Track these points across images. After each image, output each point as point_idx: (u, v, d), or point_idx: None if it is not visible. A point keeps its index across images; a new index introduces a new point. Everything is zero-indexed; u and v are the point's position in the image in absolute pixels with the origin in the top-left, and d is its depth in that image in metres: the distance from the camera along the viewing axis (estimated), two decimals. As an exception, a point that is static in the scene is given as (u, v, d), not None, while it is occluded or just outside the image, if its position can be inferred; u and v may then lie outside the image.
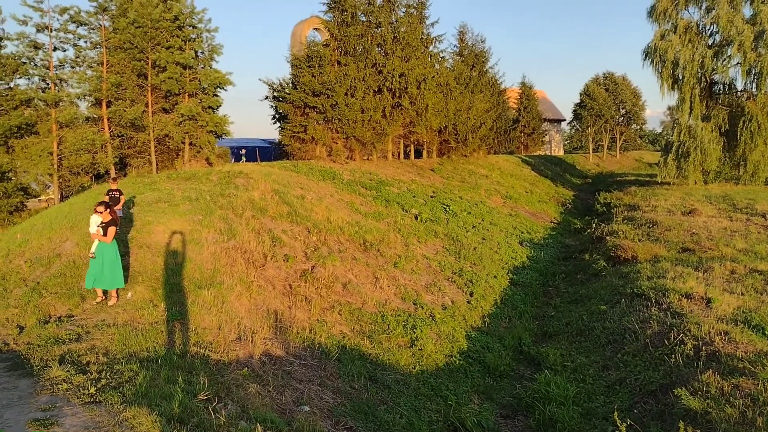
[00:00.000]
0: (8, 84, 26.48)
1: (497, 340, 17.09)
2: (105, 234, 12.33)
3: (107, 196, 16.31)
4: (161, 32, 27.44)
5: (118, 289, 12.63)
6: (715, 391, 10.47)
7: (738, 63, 45.04)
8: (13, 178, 26.15)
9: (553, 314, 19.95)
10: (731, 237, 24.81)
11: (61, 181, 26.84)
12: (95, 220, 12.59)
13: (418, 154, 48.40)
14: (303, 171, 28.78)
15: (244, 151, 40.70)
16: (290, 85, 35.94)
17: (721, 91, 49.85)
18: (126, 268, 13.68)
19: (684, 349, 12.62)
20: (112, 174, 27.55)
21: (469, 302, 19.79)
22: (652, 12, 49.14)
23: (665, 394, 11.27)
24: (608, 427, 10.95)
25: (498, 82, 60.96)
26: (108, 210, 12.50)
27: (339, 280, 17.35)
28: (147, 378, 8.77)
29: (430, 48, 44.60)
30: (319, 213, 22.14)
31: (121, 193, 17.02)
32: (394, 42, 38.58)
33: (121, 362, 9.38)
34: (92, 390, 8.15)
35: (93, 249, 12.37)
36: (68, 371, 8.78)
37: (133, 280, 13.38)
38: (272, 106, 37.33)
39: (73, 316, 11.68)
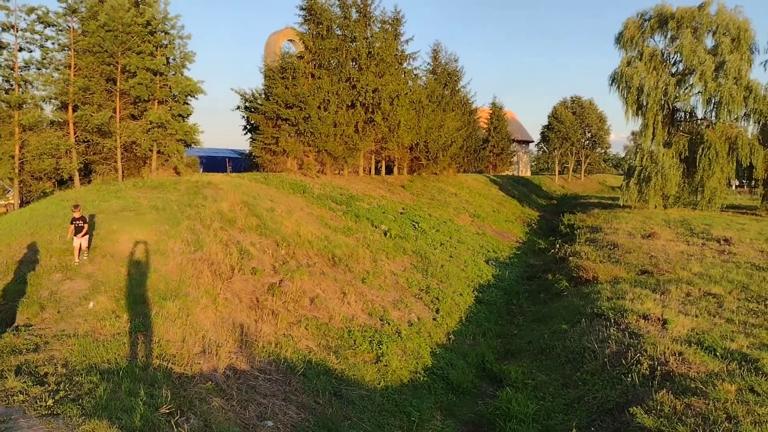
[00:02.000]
0: None
1: (461, 357, 17.21)
2: None
3: (72, 226, 14.51)
4: (132, 37, 26.97)
5: None
6: (669, 410, 10.77)
7: (699, 92, 46.54)
8: (-29, 182, 25.39)
9: (516, 332, 20.23)
10: (688, 261, 25.55)
11: (22, 185, 26.04)
12: None
13: (389, 171, 48.51)
14: (273, 183, 28.62)
15: (230, 161, 40.40)
16: (263, 96, 35.70)
17: (682, 119, 51.32)
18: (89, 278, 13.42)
19: (640, 369, 12.97)
20: (76, 181, 26.98)
21: (435, 319, 19.84)
22: (619, 38, 50.62)
23: (621, 412, 11.46)
24: (567, 445, 11.08)
25: (469, 102, 61.49)
26: None
27: (307, 295, 17.24)
28: (107, 390, 8.57)
29: (404, 65, 44.86)
30: (288, 226, 22.01)
31: (85, 222, 14.76)
32: (368, 57, 38.74)
33: (81, 374, 9.14)
34: (50, 402, 7.92)
35: None
36: (25, 382, 8.51)
37: (95, 290, 13.08)
38: (244, 117, 37.03)
39: (32, 326, 11.34)
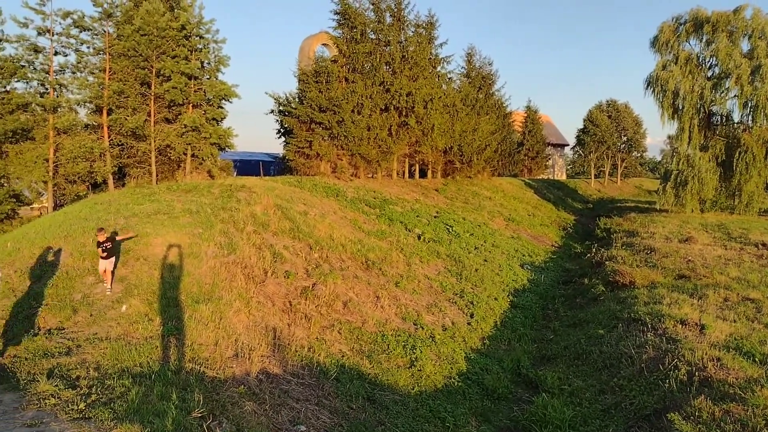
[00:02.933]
0: (5, 87, 25.94)
1: (496, 362, 16.92)
2: None
3: (99, 249, 13.59)
4: (167, 41, 27.22)
5: None
6: (707, 416, 10.56)
7: (735, 95, 45.78)
8: (5, 185, 25.53)
9: (551, 337, 19.86)
10: (725, 265, 25.07)
11: (55, 189, 26.36)
12: None
13: (423, 174, 48.39)
14: (307, 187, 28.61)
15: (264, 165, 40.71)
16: (297, 99, 35.85)
17: (718, 122, 50.41)
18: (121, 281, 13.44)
19: (678, 375, 12.73)
20: (110, 184, 27.22)
21: (469, 324, 19.57)
22: (654, 42, 49.94)
23: (659, 418, 11.24)
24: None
25: (504, 105, 60.99)
26: None
27: (340, 299, 17.08)
28: (139, 394, 8.49)
29: (438, 68, 44.74)
30: (321, 230, 21.91)
31: (112, 243, 13.77)
32: (402, 61, 38.63)
33: (113, 377, 9.10)
34: (81, 405, 7.87)
35: None
36: (57, 386, 8.49)
37: (128, 293, 13.08)
38: (278, 121, 37.24)
39: (64, 329, 11.37)
